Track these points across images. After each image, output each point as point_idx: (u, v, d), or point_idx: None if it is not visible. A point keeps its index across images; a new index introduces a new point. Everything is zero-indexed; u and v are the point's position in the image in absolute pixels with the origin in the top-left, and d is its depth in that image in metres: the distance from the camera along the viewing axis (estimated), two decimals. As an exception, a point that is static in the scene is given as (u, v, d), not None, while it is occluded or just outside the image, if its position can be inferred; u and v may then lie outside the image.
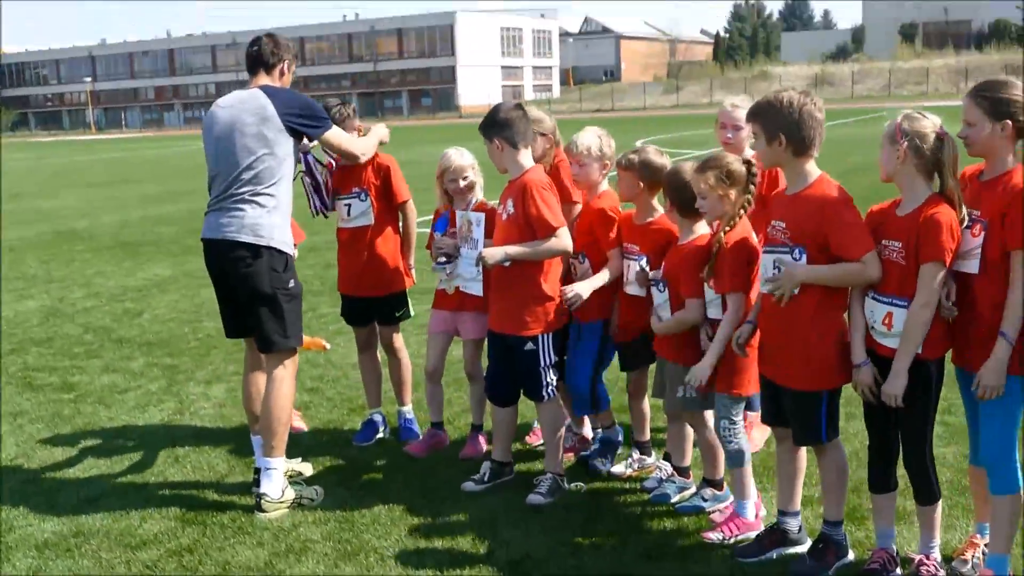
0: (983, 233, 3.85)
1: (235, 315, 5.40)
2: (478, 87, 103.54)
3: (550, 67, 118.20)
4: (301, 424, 6.56)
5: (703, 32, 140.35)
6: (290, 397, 5.34)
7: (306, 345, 8.62)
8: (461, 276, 5.56)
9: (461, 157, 5.86)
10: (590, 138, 5.37)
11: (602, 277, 5.29)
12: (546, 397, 5.30)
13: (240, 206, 5.15)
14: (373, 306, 6.22)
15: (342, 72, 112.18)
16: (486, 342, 5.70)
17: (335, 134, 5.46)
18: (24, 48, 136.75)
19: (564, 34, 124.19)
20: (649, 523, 4.97)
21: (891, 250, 4.01)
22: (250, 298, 5.21)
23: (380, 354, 6.51)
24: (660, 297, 4.97)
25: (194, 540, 4.95)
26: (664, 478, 5.36)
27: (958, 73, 79.51)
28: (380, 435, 6.36)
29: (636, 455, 5.65)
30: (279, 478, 5.23)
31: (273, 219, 5.20)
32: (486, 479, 5.45)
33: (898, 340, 3.99)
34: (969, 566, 4.26)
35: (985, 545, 4.24)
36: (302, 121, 5.27)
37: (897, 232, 3.99)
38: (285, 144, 5.22)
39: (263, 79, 5.40)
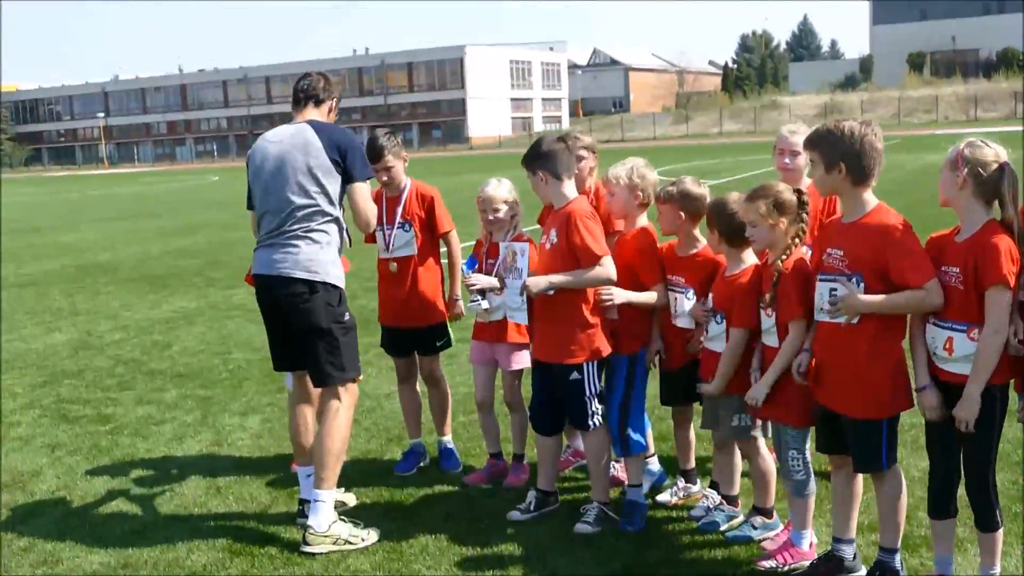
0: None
1: (286, 349, 5.39)
2: (488, 119, 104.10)
3: (559, 99, 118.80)
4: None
5: (711, 63, 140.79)
6: (346, 429, 5.31)
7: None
8: (507, 306, 5.55)
9: (497, 188, 5.90)
10: (619, 167, 5.39)
11: (643, 297, 5.27)
12: (592, 426, 5.29)
13: (294, 242, 5.16)
14: (416, 337, 6.24)
15: (353, 106, 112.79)
16: (528, 371, 5.71)
17: (364, 190, 5.31)
18: (38, 85, 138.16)
19: (573, 66, 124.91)
20: (700, 552, 4.95)
21: (950, 276, 4.01)
22: (307, 333, 5.21)
23: (419, 384, 6.53)
24: (717, 329, 4.96)
25: (243, 571, 4.95)
26: (712, 507, 5.34)
27: (967, 101, 79.73)
28: (422, 464, 6.36)
29: (682, 483, 5.64)
30: (327, 511, 5.19)
31: (326, 255, 5.21)
32: (532, 508, 5.44)
33: (959, 365, 3.99)
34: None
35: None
36: (346, 159, 5.21)
37: (955, 258, 4.00)
38: (334, 181, 5.21)
39: (311, 113, 5.40)
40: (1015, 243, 3.90)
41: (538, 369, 5.44)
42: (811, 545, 4.77)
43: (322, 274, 5.17)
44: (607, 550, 4.99)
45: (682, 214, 5.26)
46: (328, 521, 5.17)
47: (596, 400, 5.28)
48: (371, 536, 5.22)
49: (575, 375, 5.22)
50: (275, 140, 5.34)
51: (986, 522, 4.20)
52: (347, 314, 5.30)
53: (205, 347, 10.46)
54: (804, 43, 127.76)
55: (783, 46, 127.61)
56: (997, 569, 4.25)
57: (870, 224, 4.17)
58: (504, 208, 5.85)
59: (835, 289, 4.20)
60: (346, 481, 6.01)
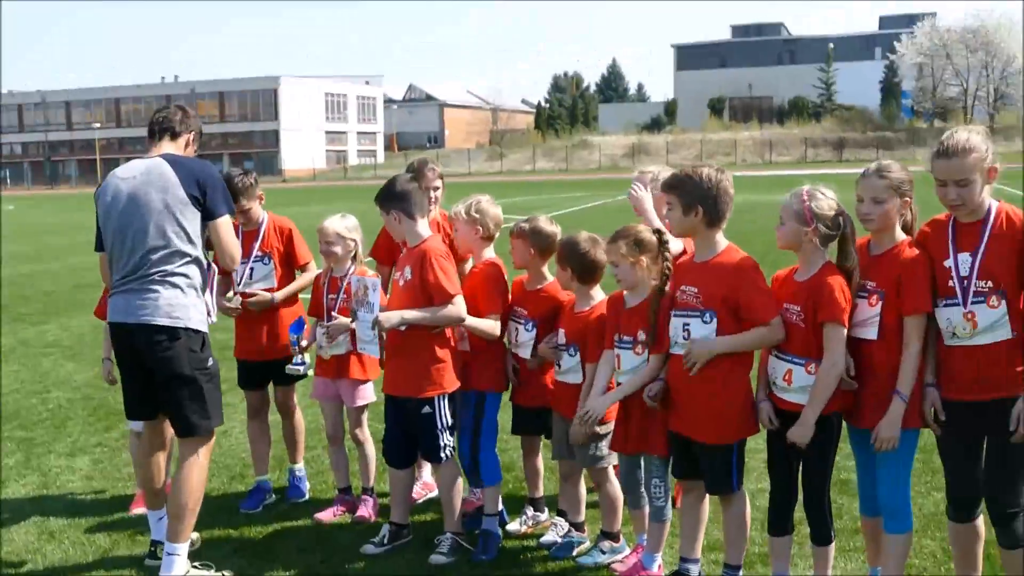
0: (880, 302, 4.23)
1: (144, 396, 5.16)
2: (302, 151, 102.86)
3: (375, 132, 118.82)
4: None
5: (524, 102, 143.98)
6: (202, 483, 5.13)
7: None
8: (360, 339, 5.57)
9: (332, 222, 5.99)
10: (460, 204, 5.56)
11: (480, 324, 5.39)
12: (443, 459, 5.40)
13: (153, 287, 4.93)
14: (272, 368, 6.20)
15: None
16: (372, 404, 5.79)
17: (226, 225, 5.16)
18: None
19: (388, 101, 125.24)
20: (554, 575, 5.12)
21: (791, 313, 4.36)
22: (169, 381, 5.00)
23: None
24: (571, 362, 5.17)
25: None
26: (561, 534, 5.53)
27: (763, 144, 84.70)
28: (268, 501, 6.31)
29: (531, 512, 5.81)
30: (182, 564, 5.03)
31: (188, 298, 5.00)
32: (386, 541, 5.49)
33: (797, 395, 4.34)
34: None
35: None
36: (205, 194, 5.02)
37: (796, 297, 4.36)
38: (193, 217, 5.00)
39: (166, 147, 5.20)
40: (848, 283, 4.26)
41: (391, 403, 5.51)
42: (659, 567, 5.03)
43: (184, 319, 4.95)
44: (463, 579, 5.10)
45: (532, 250, 5.47)
46: (182, 573, 5.02)
47: (447, 433, 5.39)
48: None
49: (427, 409, 5.32)
50: (127, 176, 5.07)
51: (821, 536, 4.56)
52: (210, 360, 5.12)
53: (20, 386, 9.95)
54: (613, 85, 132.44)
55: (593, 87, 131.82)
56: (828, 581, 4.61)
57: (723, 263, 4.49)
58: (337, 243, 5.92)
59: (688, 324, 4.48)
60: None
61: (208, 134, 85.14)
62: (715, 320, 4.45)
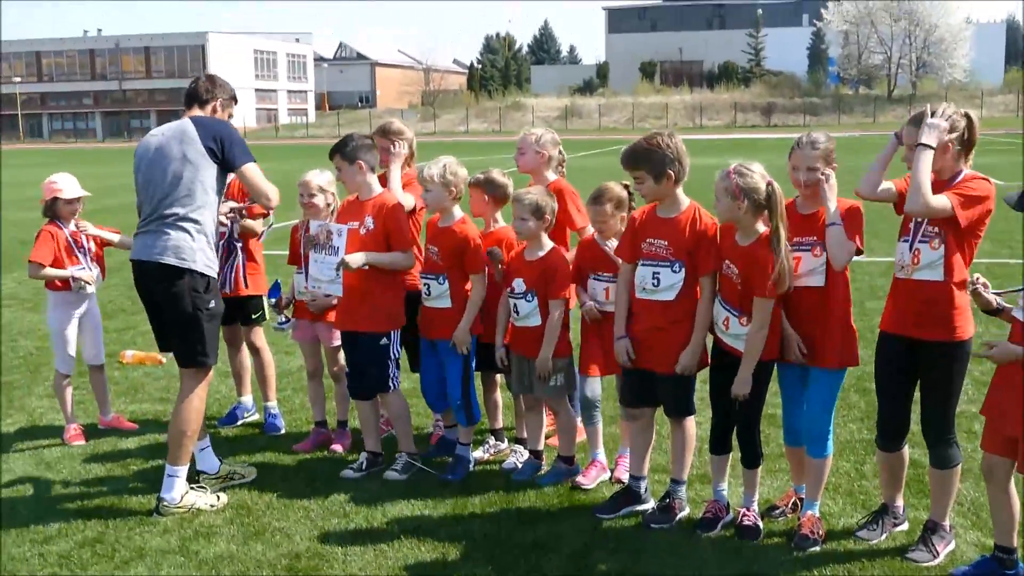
0: (824, 253, 4.88)
1: (161, 331, 5.70)
2: (233, 118, 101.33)
3: (305, 91, 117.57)
4: None
5: (456, 62, 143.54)
6: (199, 412, 5.63)
7: (140, 360, 8.91)
8: (319, 279, 5.98)
9: (315, 176, 6.47)
10: (433, 167, 6.01)
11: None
12: (391, 387, 5.99)
13: (165, 229, 5.40)
14: (235, 307, 6.72)
15: (84, 90, 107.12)
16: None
17: (253, 169, 5.59)
18: None
19: (319, 59, 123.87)
20: (517, 495, 5.74)
21: (731, 272, 5.01)
22: (173, 317, 5.52)
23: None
24: (528, 307, 5.75)
25: (100, 532, 5.29)
26: (520, 461, 6.16)
27: (693, 108, 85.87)
28: (247, 418, 7.06)
29: (492, 441, 6.43)
30: (181, 485, 5.54)
31: (197, 243, 5.44)
32: (363, 467, 6.08)
33: (732, 339, 5.02)
34: (778, 511, 5.32)
35: (798, 498, 5.31)
36: (223, 148, 5.46)
37: (736, 258, 4.99)
38: (209, 170, 5.47)
39: (195, 112, 5.73)
40: (774, 255, 4.82)
41: (349, 339, 6.06)
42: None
43: (189, 262, 5.40)
44: (434, 497, 5.70)
45: (486, 198, 6.05)
46: (180, 493, 5.53)
47: (395, 365, 5.99)
48: (222, 500, 5.65)
49: (384, 340, 5.92)
50: (156, 134, 5.64)
51: (751, 461, 5.25)
52: (213, 302, 5.57)
53: (-14, 335, 10.26)
54: (545, 47, 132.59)
55: (525, 49, 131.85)
56: (756, 498, 5.30)
57: (691, 218, 5.13)
58: (319, 196, 6.42)
59: (658, 272, 5.11)
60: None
61: (133, 90, 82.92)
62: (683, 270, 5.09)
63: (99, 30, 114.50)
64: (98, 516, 5.51)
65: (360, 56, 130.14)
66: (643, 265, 5.20)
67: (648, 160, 5.10)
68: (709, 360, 5.27)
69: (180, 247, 5.42)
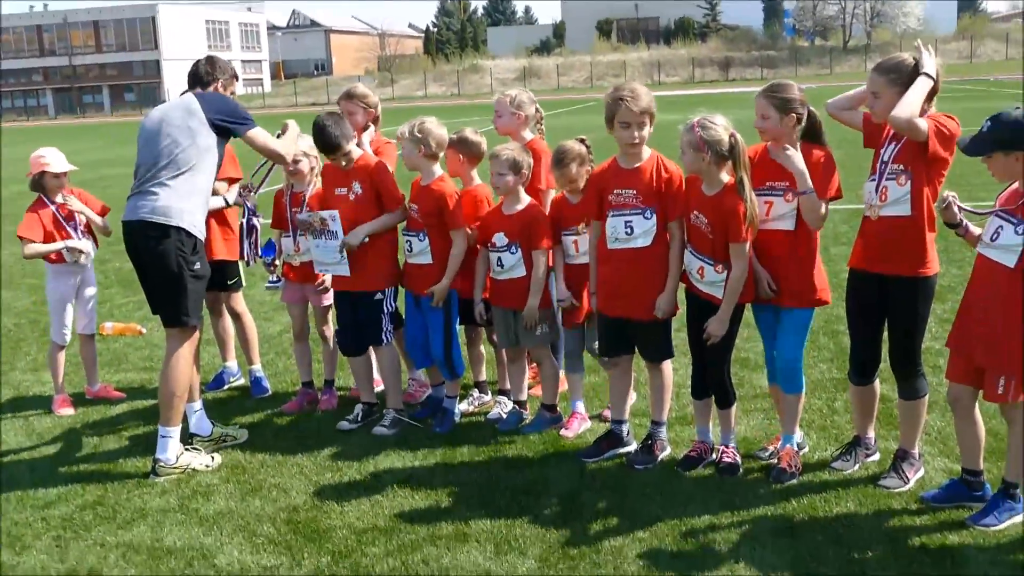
0: (795, 199, 5.05)
1: (148, 292, 5.78)
2: (185, 81, 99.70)
3: (260, 60, 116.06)
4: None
5: (411, 26, 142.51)
6: (186, 373, 5.74)
7: (120, 331, 8.99)
8: (323, 263, 6.20)
9: (299, 142, 6.55)
10: (404, 125, 6.13)
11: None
12: (385, 341, 6.17)
13: (155, 189, 5.52)
14: (216, 272, 6.72)
15: (33, 67, 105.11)
16: (333, 304, 6.53)
17: (258, 133, 5.74)
18: None
19: (272, 28, 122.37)
20: (504, 444, 5.93)
21: (701, 222, 5.18)
22: (157, 275, 5.61)
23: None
24: (513, 259, 5.89)
25: (99, 495, 5.42)
26: (504, 411, 6.34)
27: (651, 65, 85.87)
28: (233, 382, 7.20)
29: (476, 393, 6.61)
30: (175, 445, 5.67)
31: (185, 204, 5.54)
32: (359, 419, 6.25)
33: (708, 287, 5.20)
34: (768, 453, 5.54)
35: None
36: (225, 118, 5.64)
37: (704, 209, 5.16)
38: (207, 137, 5.59)
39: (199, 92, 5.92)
40: (743, 201, 5.02)
41: (345, 299, 6.24)
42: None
43: (176, 219, 5.50)
44: (424, 449, 5.88)
45: (461, 157, 6.18)
46: (176, 454, 5.66)
47: (390, 320, 6.16)
48: (216, 460, 5.79)
49: (379, 296, 6.11)
50: (161, 106, 5.87)
51: (724, 402, 5.46)
52: (198, 263, 5.64)
53: (-40, 314, 10.27)
54: (500, 8, 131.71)
55: (480, 11, 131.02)
56: (733, 434, 5.52)
57: (656, 166, 5.30)
58: (304, 160, 6.52)
59: (630, 221, 5.26)
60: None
61: (84, 66, 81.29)
62: (654, 216, 5.26)
63: (45, 5, 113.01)
64: (96, 480, 5.63)
65: (314, 23, 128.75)
66: (613, 216, 5.35)
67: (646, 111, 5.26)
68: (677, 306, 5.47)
69: (168, 206, 5.51)
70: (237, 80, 6.24)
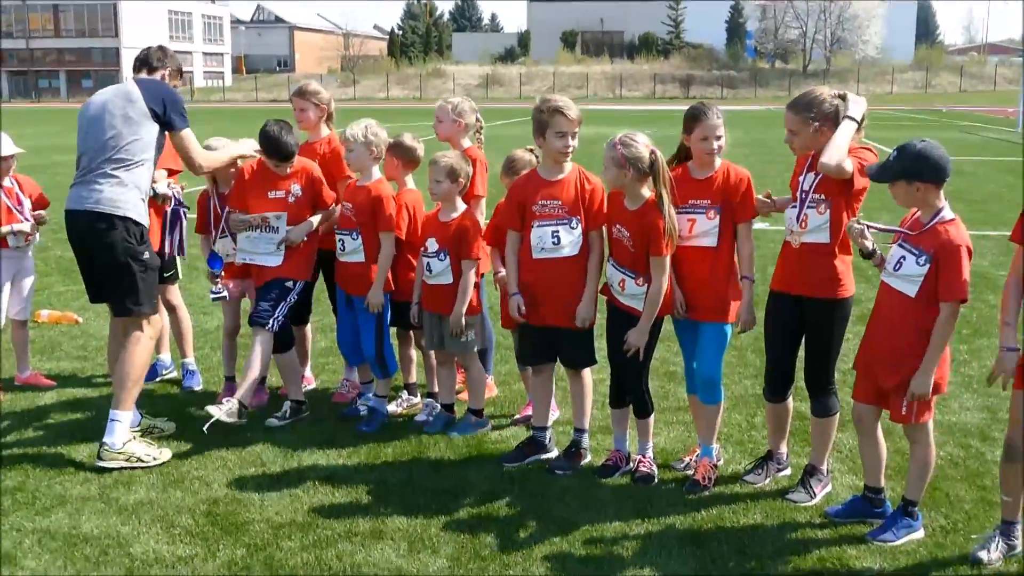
0: (717, 216, 5.22)
1: (96, 282, 5.80)
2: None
3: (221, 54, 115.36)
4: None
5: (376, 28, 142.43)
6: (144, 358, 5.76)
7: (56, 319, 8.97)
8: (250, 252, 6.25)
9: (239, 145, 6.60)
10: (356, 128, 6.20)
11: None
12: (269, 326, 6.13)
13: (100, 180, 5.54)
14: None
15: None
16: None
17: (189, 136, 5.80)
18: None
19: (235, 21, 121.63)
20: (429, 446, 6.02)
21: (622, 236, 5.33)
22: (105, 266, 5.63)
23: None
24: (441, 266, 5.99)
25: (20, 481, 5.44)
26: (431, 414, 6.43)
27: (614, 79, 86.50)
28: (165, 374, 7.25)
29: (405, 395, 6.70)
30: (123, 431, 5.63)
31: (131, 194, 5.59)
32: (287, 416, 6.33)
33: (629, 299, 5.35)
34: (684, 464, 5.68)
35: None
36: (166, 108, 5.65)
37: (626, 223, 5.31)
38: (149, 128, 5.62)
39: (143, 76, 5.97)
40: (663, 217, 5.17)
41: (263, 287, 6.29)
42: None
43: (122, 209, 5.53)
44: (350, 447, 5.96)
45: (396, 160, 6.30)
46: (123, 440, 5.61)
47: (284, 311, 6.19)
48: (164, 454, 5.73)
49: (288, 284, 6.22)
50: (101, 93, 5.82)
51: (642, 411, 5.60)
52: (147, 253, 5.68)
53: None
54: (466, 14, 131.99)
55: (446, 15, 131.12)
56: (651, 445, 5.66)
57: (578, 178, 5.46)
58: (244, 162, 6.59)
59: (556, 231, 5.39)
60: (95, 408, 6.54)
61: (42, 49, 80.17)
62: (580, 226, 5.39)
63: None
64: (18, 466, 5.65)
65: (278, 19, 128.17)
66: (540, 226, 5.45)
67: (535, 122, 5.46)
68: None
69: (114, 197, 5.54)
70: (181, 78, 6.30)
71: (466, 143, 6.53)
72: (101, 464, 5.56)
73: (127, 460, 5.59)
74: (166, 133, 5.78)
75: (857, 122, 4.96)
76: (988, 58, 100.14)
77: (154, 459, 5.66)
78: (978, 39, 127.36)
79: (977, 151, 28.19)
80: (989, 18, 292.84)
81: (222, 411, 5.87)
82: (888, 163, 4.67)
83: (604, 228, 5.46)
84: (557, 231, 5.42)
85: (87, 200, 5.58)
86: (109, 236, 5.56)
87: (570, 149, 5.40)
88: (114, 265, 5.62)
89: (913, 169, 4.58)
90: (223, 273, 6.61)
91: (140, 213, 5.68)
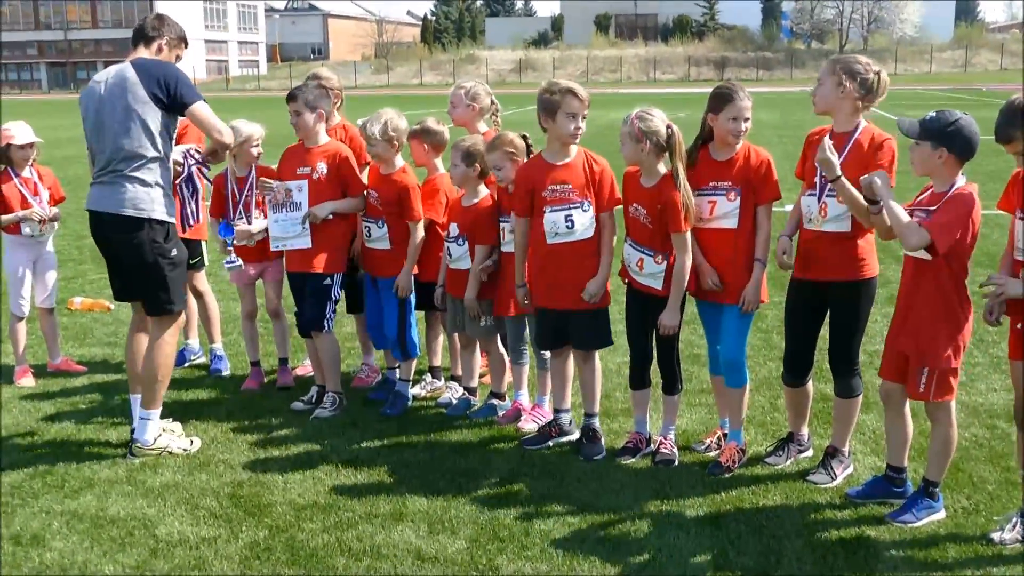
0: (738, 198, 5.20)
1: (121, 281, 5.76)
2: (181, 61, 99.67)
3: (256, 43, 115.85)
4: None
5: (410, 14, 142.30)
6: (170, 356, 5.77)
7: (89, 306, 9.10)
8: (281, 239, 6.25)
9: (256, 127, 6.67)
10: (375, 124, 6.14)
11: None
12: (326, 328, 6.25)
13: (121, 182, 5.43)
14: None
15: (28, 39, 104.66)
16: (286, 285, 6.63)
17: (201, 108, 5.50)
18: None
19: (270, 10, 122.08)
20: (451, 428, 6.07)
21: (640, 213, 5.32)
22: (134, 267, 5.56)
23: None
24: (460, 250, 6.02)
25: (50, 465, 5.54)
26: (455, 397, 6.47)
27: (648, 62, 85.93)
28: (194, 360, 7.31)
29: (429, 378, 6.75)
30: (154, 427, 5.66)
31: (154, 193, 5.49)
32: (313, 400, 6.39)
33: (648, 279, 5.35)
34: (704, 447, 5.68)
35: (723, 433, 5.66)
36: (166, 92, 5.39)
37: (644, 201, 5.30)
38: (156, 117, 5.42)
39: (140, 52, 5.63)
40: (679, 191, 5.18)
41: (298, 280, 6.32)
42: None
43: (148, 211, 5.45)
44: (373, 430, 6.02)
45: (425, 146, 6.31)
46: (154, 436, 5.66)
47: (333, 306, 6.27)
48: (195, 444, 5.77)
49: (327, 281, 6.21)
50: (100, 80, 5.56)
51: (670, 387, 5.61)
52: (174, 250, 5.61)
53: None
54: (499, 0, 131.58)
55: (479, 1, 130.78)
56: (673, 427, 5.66)
57: (586, 161, 5.46)
58: (258, 145, 6.67)
59: (570, 215, 5.39)
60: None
61: (79, 41, 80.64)
62: (592, 207, 5.39)
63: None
64: (48, 450, 5.76)
65: (312, 7, 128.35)
66: (552, 211, 5.44)
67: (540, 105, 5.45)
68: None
69: (138, 198, 5.45)
70: (186, 46, 5.91)
71: (482, 127, 6.52)
72: (134, 460, 5.58)
73: (159, 456, 5.63)
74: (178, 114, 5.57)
75: (838, 177, 4.81)
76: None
77: (184, 451, 5.70)
78: (1020, 16, 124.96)
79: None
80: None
81: (326, 412, 6.21)
82: (923, 121, 4.62)
83: (613, 209, 5.47)
84: (571, 215, 5.42)
85: (110, 202, 5.48)
86: (136, 238, 5.49)
87: (581, 131, 5.40)
88: (143, 266, 5.54)
89: (944, 135, 4.53)
90: (234, 241, 6.61)
91: (165, 211, 5.58)
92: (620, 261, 5.56)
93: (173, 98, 5.46)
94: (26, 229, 6.90)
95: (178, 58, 5.82)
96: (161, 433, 5.71)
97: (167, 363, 5.74)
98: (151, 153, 5.49)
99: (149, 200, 5.49)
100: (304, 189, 6.13)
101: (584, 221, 5.41)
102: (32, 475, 5.41)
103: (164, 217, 5.57)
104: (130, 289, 5.78)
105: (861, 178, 4.74)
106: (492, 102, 6.59)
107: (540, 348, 5.95)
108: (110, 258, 5.74)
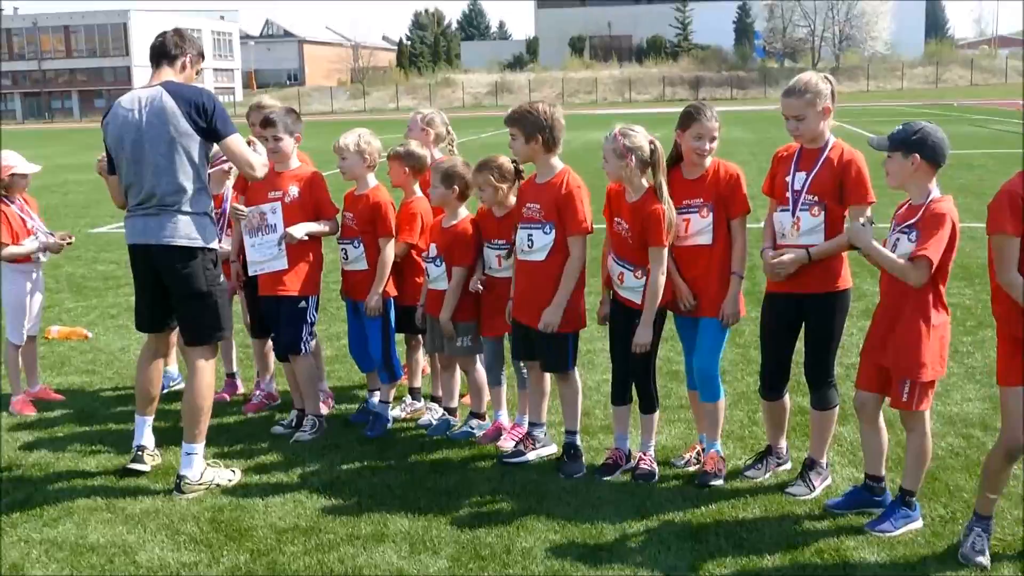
0: (711, 214, 5.27)
1: (153, 311, 5.65)
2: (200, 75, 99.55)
3: (232, 69, 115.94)
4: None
5: (385, 39, 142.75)
6: (212, 387, 5.68)
7: (66, 335, 9.06)
8: (258, 262, 6.22)
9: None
10: (349, 137, 6.29)
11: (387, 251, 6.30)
12: (304, 351, 6.26)
13: (172, 214, 5.34)
14: None
15: (2, 70, 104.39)
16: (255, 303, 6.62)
17: (235, 140, 5.47)
18: None
19: (245, 37, 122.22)
20: (431, 449, 6.08)
21: (622, 228, 5.38)
22: (186, 297, 5.45)
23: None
24: (437, 271, 6.07)
25: (28, 494, 5.51)
26: (435, 418, 6.48)
27: (623, 83, 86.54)
28: (173, 386, 7.31)
29: (409, 400, 6.75)
30: (199, 462, 5.53)
31: (203, 221, 5.44)
32: (293, 424, 6.40)
33: (629, 292, 5.39)
34: (684, 461, 5.71)
35: (702, 447, 5.69)
36: (205, 119, 5.31)
37: (627, 216, 5.35)
38: (196, 145, 5.34)
39: (166, 73, 5.47)
40: (662, 205, 5.23)
41: (272, 304, 6.28)
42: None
43: (200, 240, 5.39)
44: (354, 452, 6.02)
45: (406, 169, 6.35)
46: (200, 471, 5.52)
47: (310, 328, 6.28)
48: (236, 475, 5.65)
49: (302, 304, 6.22)
50: (132, 107, 5.37)
51: (648, 407, 5.64)
52: (221, 276, 5.61)
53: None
54: (474, 23, 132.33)
55: (454, 25, 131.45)
56: (653, 443, 5.69)
57: (559, 183, 5.50)
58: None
59: (531, 235, 5.48)
60: (101, 418, 6.61)
61: (54, 70, 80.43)
62: (554, 231, 5.45)
63: (15, 8, 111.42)
64: (27, 478, 5.73)
65: (287, 33, 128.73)
66: (522, 228, 5.56)
67: (523, 121, 5.49)
68: (584, 322, 5.71)
69: (189, 231, 5.38)
70: (203, 59, 5.79)
71: (437, 154, 6.66)
72: (182, 497, 5.42)
73: (207, 489, 5.51)
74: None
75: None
76: (999, 51, 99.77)
77: (229, 480, 5.60)
78: (989, 32, 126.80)
79: (988, 144, 28.10)
80: (999, 10, 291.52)
81: (306, 435, 6.20)
82: (891, 134, 4.70)
83: (585, 236, 5.50)
84: (532, 235, 5.51)
85: (162, 232, 5.36)
86: (190, 267, 5.40)
87: (513, 153, 5.63)
88: (198, 295, 5.45)
89: (912, 143, 4.61)
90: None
91: (212, 238, 5.53)
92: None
93: (210, 127, 5.38)
94: (41, 254, 6.92)
95: (198, 73, 5.73)
96: (206, 467, 5.60)
97: (210, 394, 5.63)
98: (197, 184, 5.42)
99: (199, 230, 5.43)
100: (278, 211, 6.15)
101: (542, 243, 5.49)
102: (10, 505, 5.37)
103: (213, 245, 5.54)
104: (163, 318, 5.67)
105: (845, 227, 4.85)
106: (448, 131, 6.71)
107: (514, 358, 5.98)
108: (153, 288, 5.57)
